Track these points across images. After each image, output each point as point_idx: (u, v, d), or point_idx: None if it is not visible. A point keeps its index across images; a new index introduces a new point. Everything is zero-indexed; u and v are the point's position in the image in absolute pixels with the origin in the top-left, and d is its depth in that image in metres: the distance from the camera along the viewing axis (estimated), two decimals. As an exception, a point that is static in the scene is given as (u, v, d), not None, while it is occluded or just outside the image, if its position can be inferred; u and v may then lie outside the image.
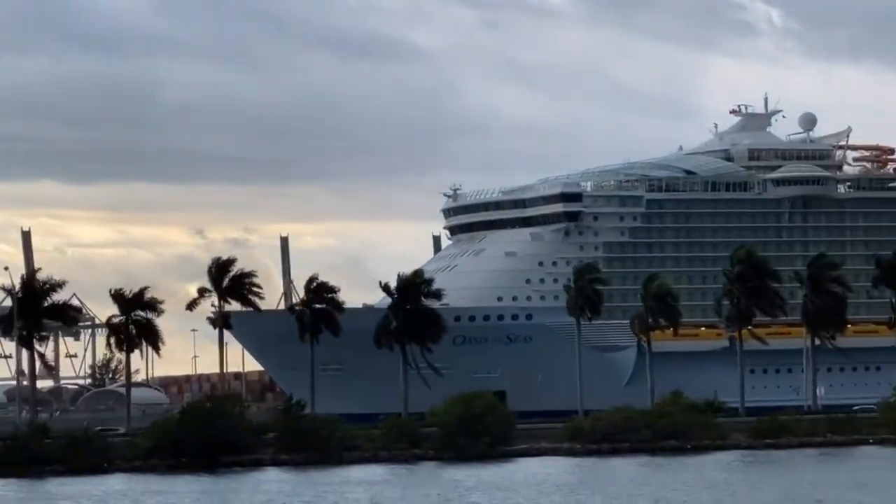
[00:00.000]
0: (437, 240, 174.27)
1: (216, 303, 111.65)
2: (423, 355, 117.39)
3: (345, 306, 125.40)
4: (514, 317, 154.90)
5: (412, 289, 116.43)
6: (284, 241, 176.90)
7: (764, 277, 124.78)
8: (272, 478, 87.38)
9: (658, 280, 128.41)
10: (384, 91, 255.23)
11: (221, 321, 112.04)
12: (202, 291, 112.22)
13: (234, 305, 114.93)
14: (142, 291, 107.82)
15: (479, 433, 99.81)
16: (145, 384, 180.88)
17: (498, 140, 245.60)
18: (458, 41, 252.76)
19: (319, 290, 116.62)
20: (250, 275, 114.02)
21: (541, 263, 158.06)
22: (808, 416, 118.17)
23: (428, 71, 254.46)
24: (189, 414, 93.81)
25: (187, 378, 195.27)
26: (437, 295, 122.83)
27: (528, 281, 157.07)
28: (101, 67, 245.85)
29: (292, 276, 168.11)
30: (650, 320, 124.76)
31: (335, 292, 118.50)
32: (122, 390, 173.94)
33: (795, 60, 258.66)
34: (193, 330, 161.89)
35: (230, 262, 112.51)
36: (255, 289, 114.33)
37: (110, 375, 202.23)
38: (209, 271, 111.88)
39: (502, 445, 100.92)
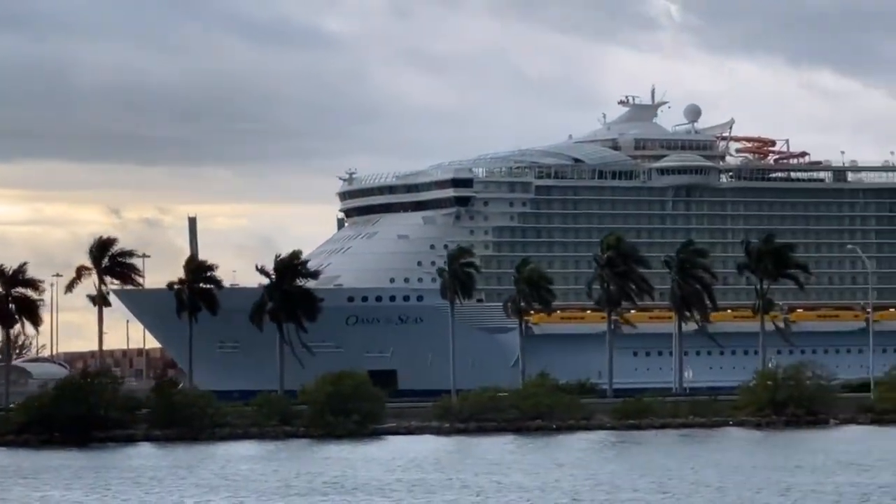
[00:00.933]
0: (340, 222, 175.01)
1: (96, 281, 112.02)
2: (297, 334, 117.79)
3: (252, 287, 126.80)
4: (406, 298, 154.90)
5: (289, 270, 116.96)
6: (192, 221, 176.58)
7: (631, 263, 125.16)
8: (143, 452, 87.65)
9: (531, 264, 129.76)
10: (296, 76, 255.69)
11: (100, 299, 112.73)
12: (80, 270, 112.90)
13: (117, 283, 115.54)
14: (21, 268, 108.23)
15: (349, 411, 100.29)
16: (49, 359, 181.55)
17: (406, 126, 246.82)
18: (369, 29, 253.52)
19: (199, 270, 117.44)
20: (130, 253, 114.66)
21: (432, 246, 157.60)
22: (672, 398, 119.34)
23: (339, 57, 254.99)
24: (62, 390, 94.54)
25: (92, 354, 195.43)
26: (314, 275, 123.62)
27: (419, 263, 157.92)
28: (15, 47, 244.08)
29: (202, 256, 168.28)
30: (523, 303, 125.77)
31: (213, 270, 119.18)
32: (25, 365, 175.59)
33: (693, 53, 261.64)
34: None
35: (111, 241, 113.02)
36: (133, 267, 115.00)
37: (17, 351, 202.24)
38: (90, 250, 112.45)
39: (372, 423, 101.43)
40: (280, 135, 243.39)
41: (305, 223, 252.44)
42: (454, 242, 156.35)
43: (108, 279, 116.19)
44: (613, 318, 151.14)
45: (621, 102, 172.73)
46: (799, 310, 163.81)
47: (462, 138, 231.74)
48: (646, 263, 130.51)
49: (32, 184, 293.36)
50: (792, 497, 55.65)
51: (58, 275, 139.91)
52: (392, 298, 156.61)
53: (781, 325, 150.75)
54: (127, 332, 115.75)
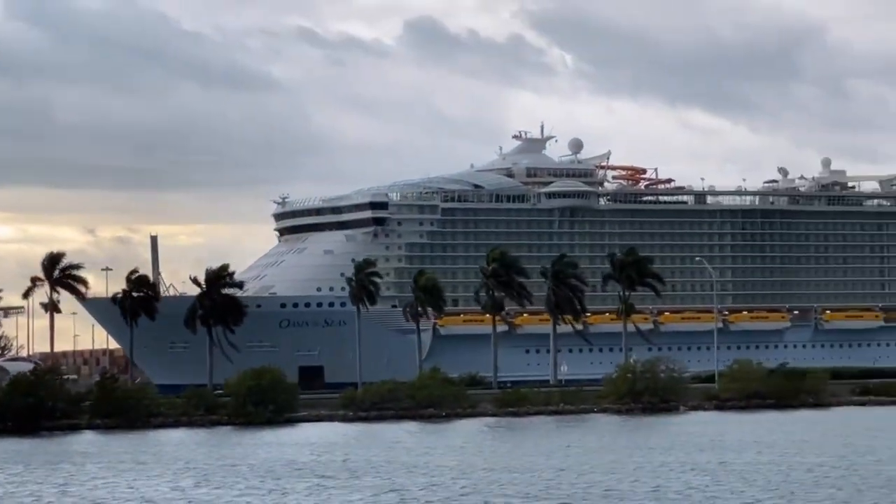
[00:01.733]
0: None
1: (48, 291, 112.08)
2: (225, 336, 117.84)
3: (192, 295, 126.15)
4: (331, 304, 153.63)
5: (217, 280, 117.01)
6: (154, 240, 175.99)
7: (512, 273, 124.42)
8: (86, 439, 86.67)
9: (427, 275, 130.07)
10: (245, 115, 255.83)
11: (51, 306, 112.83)
12: (34, 281, 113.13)
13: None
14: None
15: (266, 402, 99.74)
16: (25, 359, 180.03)
17: (339, 158, 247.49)
18: (309, 75, 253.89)
19: (139, 282, 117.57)
20: (77, 266, 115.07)
21: (353, 260, 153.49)
22: (548, 388, 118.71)
23: (282, 99, 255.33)
24: (14, 385, 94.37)
25: (63, 354, 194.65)
26: (240, 285, 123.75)
27: (342, 274, 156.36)
28: (3, 91, 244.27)
29: (161, 269, 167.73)
30: (419, 308, 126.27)
31: (151, 283, 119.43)
32: (4, 364, 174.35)
33: (585, 96, 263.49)
34: (73, 313, 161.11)
35: (59, 256, 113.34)
36: (79, 278, 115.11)
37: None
38: (42, 264, 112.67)
39: (287, 413, 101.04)
40: (231, 165, 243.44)
41: (254, 241, 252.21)
42: (372, 257, 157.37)
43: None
44: (509, 320, 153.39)
45: (515, 137, 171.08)
46: (666, 313, 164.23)
47: (385, 169, 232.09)
48: (525, 273, 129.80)
49: (19, 207, 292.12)
50: (648, 474, 55.45)
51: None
52: (319, 304, 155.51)
53: (645, 326, 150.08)
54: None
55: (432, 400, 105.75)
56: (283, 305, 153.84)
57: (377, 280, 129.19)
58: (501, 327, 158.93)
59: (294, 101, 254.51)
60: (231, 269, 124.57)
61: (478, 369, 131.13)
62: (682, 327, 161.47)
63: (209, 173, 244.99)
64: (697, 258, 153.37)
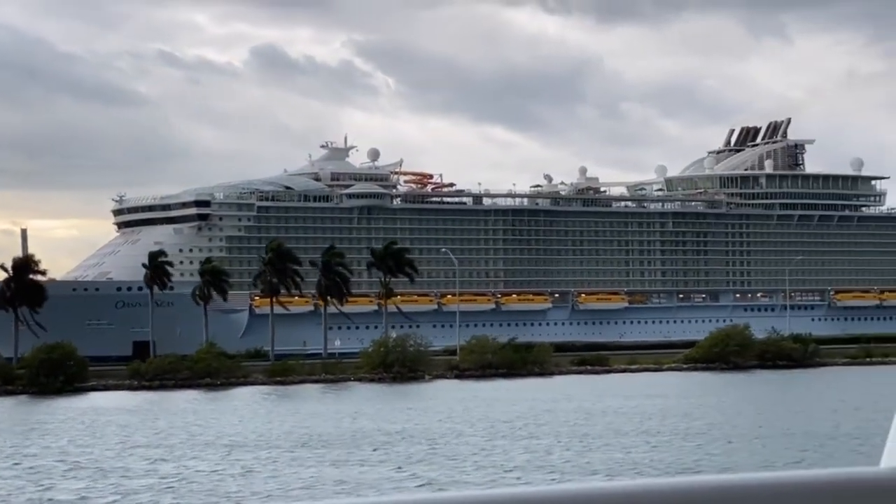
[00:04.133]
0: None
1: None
2: (31, 315, 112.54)
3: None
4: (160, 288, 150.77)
5: (24, 267, 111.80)
6: (24, 232, 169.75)
7: (287, 262, 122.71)
8: None
9: (212, 262, 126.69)
10: (115, 126, 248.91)
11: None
12: None
13: None
14: None
15: (58, 373, 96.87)
16: None
17: (195, 163, 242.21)
18: (169, 92, 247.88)
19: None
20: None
21: (181, 250, 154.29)
22: (314, 360, 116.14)
23: (148, 112, 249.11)
24: None
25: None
26: (43, 272, 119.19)
27: (170, 263, 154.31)
28: None
29: (40, 258, 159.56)
30: (206, 291, 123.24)
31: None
32: None
33: (404, 114, 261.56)
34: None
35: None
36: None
37: None
38: None
39: (77, 382, 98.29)
40: (103, 168, 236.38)
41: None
42: (197, 247, 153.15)
43: None
44: (315, 302, 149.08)
45: (322, 146, 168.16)
46: (448, 295, 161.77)
47: (234, 171, 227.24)
48: (298, 262, 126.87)
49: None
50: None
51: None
52: (150, 288, 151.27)
53: (410, 308, 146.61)
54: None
55: (209, 371, 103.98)
56: (118, 289, 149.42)
57: (168, 268, 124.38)
58: (308, 307, 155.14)
59: (158, 114, 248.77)
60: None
61: (289, 345, 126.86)
62: (424, 308, 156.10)
63: (84, 175, 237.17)
64: (443, 249, 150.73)
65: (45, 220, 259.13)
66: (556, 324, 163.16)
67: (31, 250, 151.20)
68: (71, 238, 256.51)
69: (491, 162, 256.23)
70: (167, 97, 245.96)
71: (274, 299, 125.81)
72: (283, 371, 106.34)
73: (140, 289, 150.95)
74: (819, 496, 2.08)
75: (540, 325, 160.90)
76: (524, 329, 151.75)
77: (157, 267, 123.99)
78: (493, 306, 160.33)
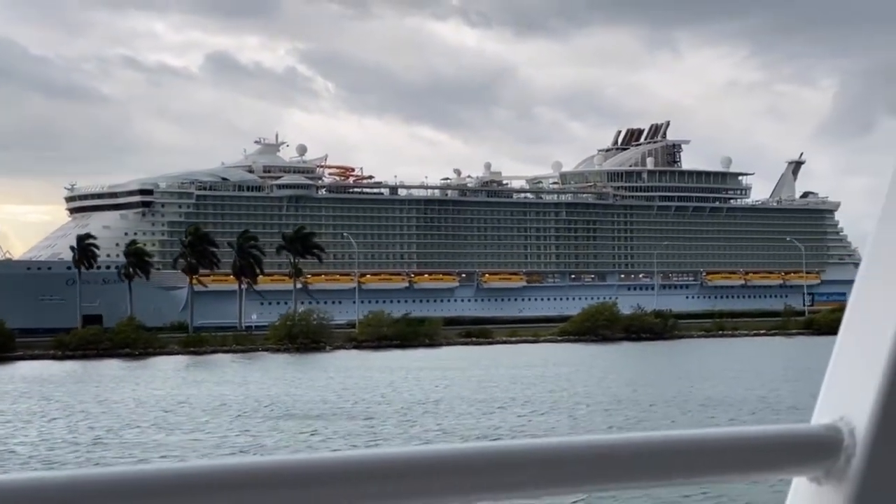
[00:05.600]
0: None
1: None
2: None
3: None
4: (108, 267, 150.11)
5: None
6: None
7: (205, 244, 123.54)
8: None
9: (136, 245, 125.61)
10: (82, 122, 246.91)
11: None
12: None
13: None
14: None
15: None
16: None
17: (154, 157, 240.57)
18: (132, 93, 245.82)
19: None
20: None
21: (126, 234, 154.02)
22: (234, 332, 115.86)
23: (112, 111, 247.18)
24: None
25: None
26: None
27: (117, 244, 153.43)
28: None
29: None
30: (130, 269, 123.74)
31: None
32: None
33: (343, 115, 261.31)
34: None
35: None
36: None
37: None
38: None
39: (4, 352, 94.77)
40: (72, 161, 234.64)
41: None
42: (141, 231, 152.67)
43: None
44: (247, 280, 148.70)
45: (256, 142, 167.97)
46: (368, 275, 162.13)
47: (176, 164, 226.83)
48: (215, 244, 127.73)
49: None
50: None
51: None
52: (98, 267, 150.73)
53: (320, 286, 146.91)
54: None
55: (128, 341, 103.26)
56: (69, 268, 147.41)
57: (94, 249, 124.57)
58: (233, 286, 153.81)
59: (121, 112, 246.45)
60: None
61: (223, 318, 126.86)
62: (345, 286, 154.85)
63: (52, 166, 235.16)
64: (345, 234, 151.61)
65: (24, 206, 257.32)
66: (462, 300, 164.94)
67: (6, 232, 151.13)
68: (43, 222, 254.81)
69: (419, 157, 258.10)
70: (129, 97, 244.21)
71: (194, 278, 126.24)
72: (198, 342, 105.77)
73: (88, 268, 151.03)
74: (752, 450, 1.81)
75: (448, 301, 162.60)
76: (434, 305, 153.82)
77: (83, 248, 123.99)
78: (407, 285, 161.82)
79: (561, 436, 1.71)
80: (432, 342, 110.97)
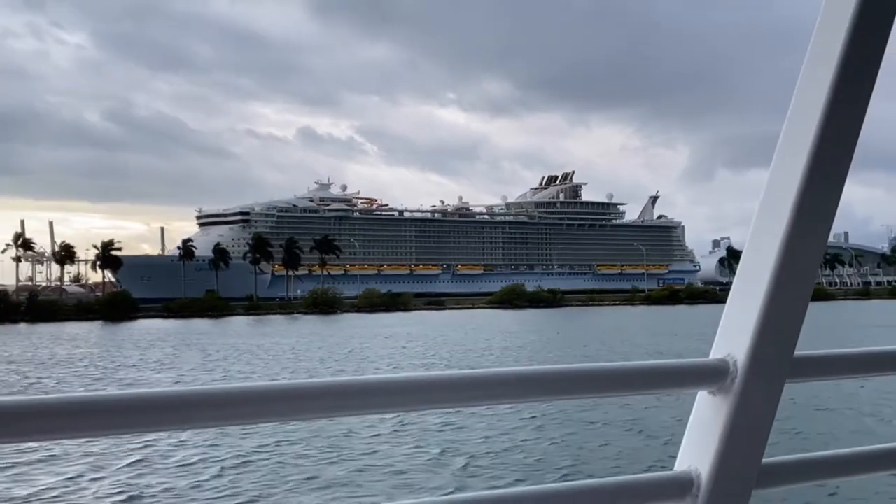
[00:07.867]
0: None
1: None
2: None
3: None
4: (226, 264, 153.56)
5: (106, 247, 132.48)
6: (51, 224, 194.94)
7: (293, 249, 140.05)
8: None
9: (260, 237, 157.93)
10: (220, 171, 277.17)
11: None
12: None
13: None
14: None
15: (124, 308, 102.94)
16: None
17: (263, 193, 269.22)
18: (252, 152, 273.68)
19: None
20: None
21: (232, 240, 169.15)
22: (281, 301, 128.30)
23: (239, 164, 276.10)
24: None
25: None
26: (119, 249, 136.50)
27: (232, 247, 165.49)
28: None
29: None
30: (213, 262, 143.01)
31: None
32: None
33: (382, 166, 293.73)
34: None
35: None
36: None
37: None
38: None
39: (131, 314, 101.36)
40: (209, 194, 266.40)
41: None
42: (243, 239, 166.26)
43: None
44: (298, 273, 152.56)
45: (316, 182, 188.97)
46: (385, 265, 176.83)
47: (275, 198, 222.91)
48: (301, 249, 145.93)
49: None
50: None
51: None
52: (196, 260, 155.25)
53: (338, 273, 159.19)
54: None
55: (208, 306, 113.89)
56: (197, 260, 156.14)
57: (193, 249, 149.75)
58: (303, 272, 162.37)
59: (243, 165, 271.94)
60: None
61: (292, 293, 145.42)
62: (353, 273, 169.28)
63: (200, 197, 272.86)
64: (354, 241, 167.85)
65: (176, 221, 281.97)
66: (443, 282, 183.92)
67: (166, 242, 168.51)
68: (187, 231, 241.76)
69: (427, 192, 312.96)
70: (250, 156, 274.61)
71: (277, 266, 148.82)
72: (255, 308, 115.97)
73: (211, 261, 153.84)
74: (674, 373, 2.12)
75: (434, 283, 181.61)
76: (426, 285, 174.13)
77: (187, 249, 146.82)
78: (409, 272, 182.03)
79: (530, 366, 2.22)
80: (406, 308, 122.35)
